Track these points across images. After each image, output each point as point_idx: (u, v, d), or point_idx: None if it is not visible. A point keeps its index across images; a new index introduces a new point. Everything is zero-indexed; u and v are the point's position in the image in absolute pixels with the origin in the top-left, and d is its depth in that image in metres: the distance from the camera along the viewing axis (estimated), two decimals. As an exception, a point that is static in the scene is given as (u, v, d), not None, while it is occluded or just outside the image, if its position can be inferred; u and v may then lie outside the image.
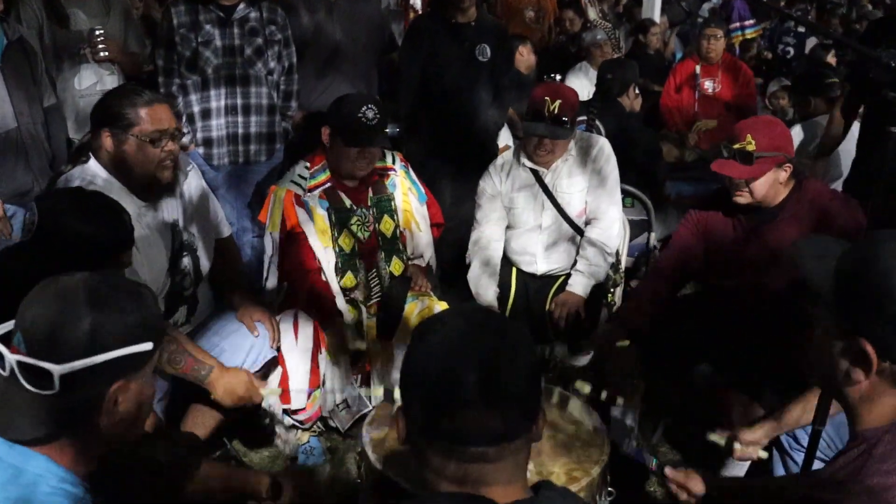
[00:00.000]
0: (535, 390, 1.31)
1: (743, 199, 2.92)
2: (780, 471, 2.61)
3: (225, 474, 2.20)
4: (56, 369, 1.33)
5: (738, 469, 2.88)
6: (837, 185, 4.34)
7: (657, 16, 7.87)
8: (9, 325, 1.40)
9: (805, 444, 2.45)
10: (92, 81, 3.88)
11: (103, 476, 1.50)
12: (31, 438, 1.37)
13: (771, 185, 2.87)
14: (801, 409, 2.33)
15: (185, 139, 3.80)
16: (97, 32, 3.80)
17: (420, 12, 6.17)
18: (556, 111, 3.33)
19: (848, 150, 4.22)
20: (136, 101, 2.61)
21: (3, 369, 1.37)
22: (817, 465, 2.17)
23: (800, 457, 2.48)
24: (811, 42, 8.55)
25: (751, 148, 2.81)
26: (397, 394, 1.37)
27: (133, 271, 2.52)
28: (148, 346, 1.43)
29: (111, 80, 3.91)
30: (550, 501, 1.29)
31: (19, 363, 1.35)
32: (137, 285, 1.54)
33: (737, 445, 2.36)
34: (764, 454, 2.39)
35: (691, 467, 3.18)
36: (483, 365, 1.24)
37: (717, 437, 2.39)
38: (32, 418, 1.37)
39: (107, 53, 3.83)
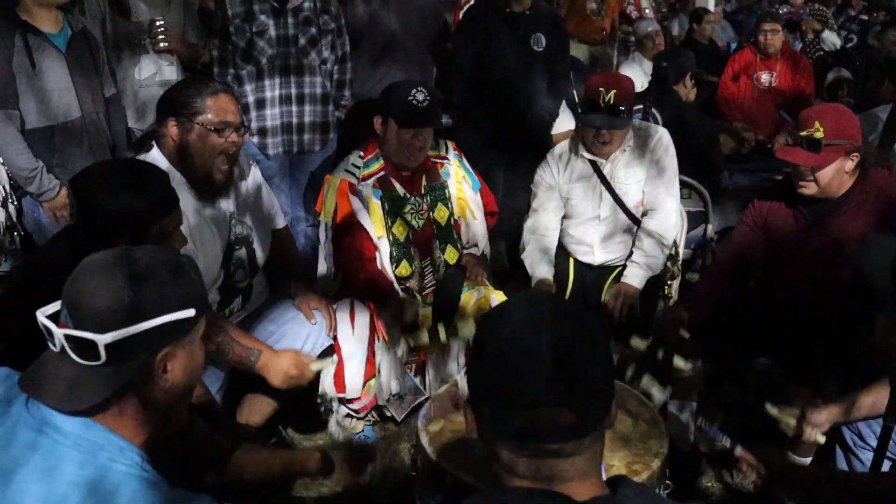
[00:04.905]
0: (609, 381, 1.25)
1: (808, 190, 2.83)
2: (843, 468, 2.55)
3: (280, 457, 2.23)
4: (100, 339, 1.37)
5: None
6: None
7: (711, 4, 7.76)
8: (56, 305, 1.44)
9: (870, 443, 2.41)
10: (151, 72, 3.92)
11: (160, 452, 1.53)
12: (89, 407, 1.40)
13: (836, 175, 2.79)
14: (872, 399, 2.28)
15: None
16: (158, 23, 3.83)
17: (474, 1, 6.13)
18: (611, 101, 3.29)
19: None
20: (203, 90, 2.65)
21: (55, 346, 1.42)
22: (887, 465, 2.11)
23: (865, 455, 2.43)
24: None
25: (819, 135, 2.73)
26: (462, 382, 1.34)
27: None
28: (190, 312, 1.45)
29: (170, 71, 3.96)
30: (628, 501, 1.22)
31: (67, 336, 1.39)
32: (177, 255, 1.57)
33: (806, 427, 2.31)
34: (822, 439, 2.33)
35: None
36: (557, 359, 1.17)
37: (780, 415, 2.34)
38: (86, 389, 1.40)
39: (166, 44, 3.87)
